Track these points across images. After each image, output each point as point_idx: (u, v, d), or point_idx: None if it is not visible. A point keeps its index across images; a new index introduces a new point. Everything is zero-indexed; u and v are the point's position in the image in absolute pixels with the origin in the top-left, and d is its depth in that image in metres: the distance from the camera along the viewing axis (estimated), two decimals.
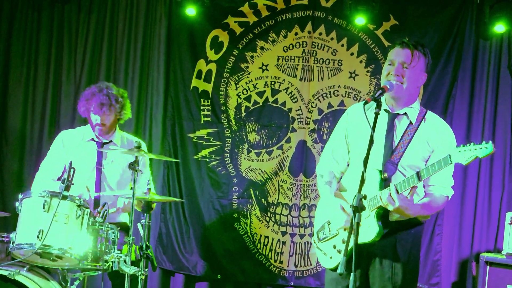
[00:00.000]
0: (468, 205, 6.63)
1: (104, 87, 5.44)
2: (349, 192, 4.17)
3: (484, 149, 3.52)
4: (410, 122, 4.09)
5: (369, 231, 3.88)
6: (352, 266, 3.35)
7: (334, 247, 4.15)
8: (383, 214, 3.91)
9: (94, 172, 5.47)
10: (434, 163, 3.67)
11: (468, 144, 3.56)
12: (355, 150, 4.20)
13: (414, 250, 4.11)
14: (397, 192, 3.74)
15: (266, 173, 6.86)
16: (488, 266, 5.92)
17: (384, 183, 3.92)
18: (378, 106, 3.71)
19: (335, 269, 4.12)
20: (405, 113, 4.10)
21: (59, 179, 5.42)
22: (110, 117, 5.44)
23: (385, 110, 4.10)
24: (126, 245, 4.77)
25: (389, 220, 3.97)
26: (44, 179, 5.45)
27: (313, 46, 6.82)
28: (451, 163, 3.61)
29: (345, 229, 4.05)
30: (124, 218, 5.59)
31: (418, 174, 3.72)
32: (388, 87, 3.90)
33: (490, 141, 3.53)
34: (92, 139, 5.53)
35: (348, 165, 4.30)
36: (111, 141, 5.56)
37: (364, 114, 3.75)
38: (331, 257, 4.18)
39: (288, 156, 6.85)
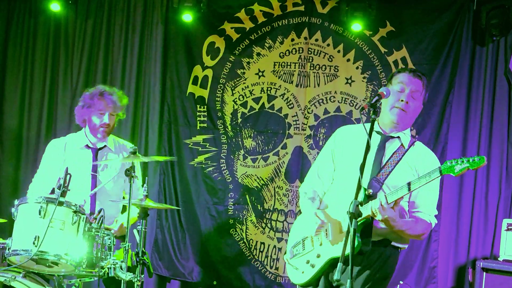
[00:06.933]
0: (464, 211, 6.62)
1: (108, 89, 5.42)
2: (330, 208, 4.19)
3: (475, 161, 3.55)
4: (402, 145, 4.13)
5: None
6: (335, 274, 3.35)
7: (307, 262, 4.18)
8: (363, 229, 3.91)
9: (89, 180, 5.43)
10: (424, 175, 3.73)
11: (459, 158, 3.61)
12: (340, 169, 4.25)
13: (384, 270, 4.11)
14: (387, 202, 3.75)
15: (262, 179, 6.85)
16: (484, 273, 5.94)
17: (368, 199, 3.93)
18: (375, 112, 3.72)
19: (304, 285, 4.20)
20: (398, 137, 4.16)
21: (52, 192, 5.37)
22: (114, 118, 5.41)
23: (377, 132, 4.15)
24: (120, 250, 4.76)
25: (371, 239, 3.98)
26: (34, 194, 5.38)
27: (310, 52, 6.82)
28: (442, 174, 3.66)
29: (316, 233, 4.12)
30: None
31: (408, 184, 3.75)
32: (385, 93, 3.90)
33: (484, 156, 3.57)
34: (87, 146, 5.49)
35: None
36: (105, 146, 5.50)
37: (364, 129, 3.72)
38: (302, 272, 4.23)
39: (284, 162, 6.84)
